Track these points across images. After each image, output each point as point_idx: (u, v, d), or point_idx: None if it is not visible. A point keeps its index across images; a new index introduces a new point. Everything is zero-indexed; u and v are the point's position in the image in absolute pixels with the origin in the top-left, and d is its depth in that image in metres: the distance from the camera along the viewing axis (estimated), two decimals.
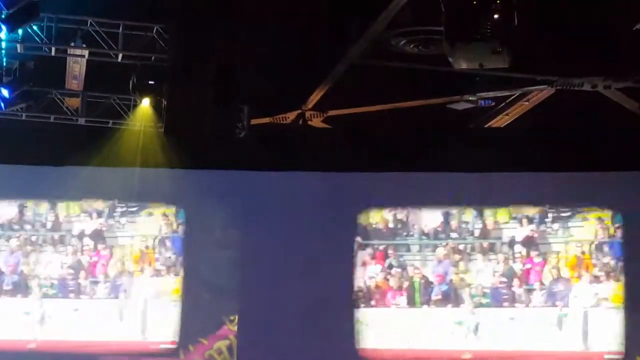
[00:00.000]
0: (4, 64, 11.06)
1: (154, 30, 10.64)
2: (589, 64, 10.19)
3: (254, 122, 11.67)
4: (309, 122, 12.40)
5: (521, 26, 7.30)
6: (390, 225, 12.59)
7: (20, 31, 10.27)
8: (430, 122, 12.33)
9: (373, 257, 12.56)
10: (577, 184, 12.25)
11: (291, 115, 12.34)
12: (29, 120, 12.10)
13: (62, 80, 11.64)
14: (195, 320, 12.52)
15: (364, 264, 12.53)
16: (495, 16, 7.14)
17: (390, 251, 12.55)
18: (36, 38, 10.53)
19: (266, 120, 12.36)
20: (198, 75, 9.15)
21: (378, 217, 12.61)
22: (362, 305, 12.42)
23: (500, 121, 12.34)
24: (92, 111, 12.17)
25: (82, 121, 12.15)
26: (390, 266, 12.52)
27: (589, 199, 12.31)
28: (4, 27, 9.78)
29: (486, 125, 12.48)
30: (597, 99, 10.96)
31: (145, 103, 11.49)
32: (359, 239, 12.54)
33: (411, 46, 9.72)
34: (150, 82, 10.89)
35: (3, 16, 9.55)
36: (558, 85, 10.76)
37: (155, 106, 11.33)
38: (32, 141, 12.13)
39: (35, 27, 10.41)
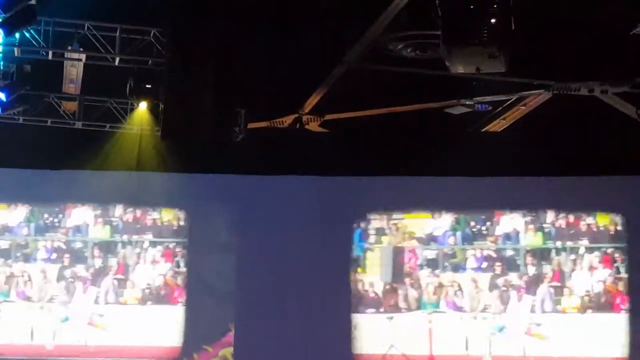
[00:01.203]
0: (1, 67, 11.05)
1: (151, 34, 10.64)
2: (586, 68, 10.20)
3: (251, 126, 11.65)
4: (306, 126, 12.40)
5: (518, 30, 7.30)
6: (619, 227, 12.40)
7: (17, 35, 10.26)
8: (427, 126, 12.33)
9: (601, 261, 12.40)
10: (574, 188, 12.26)
11: (288, 119, 12.34)
12: (26, 124, 12.08)
13: (59, 83, 11.65)
14: (200, 326, 12.50)
15: (591, 267, 12.39)
16: (492, 20, 7.15)
17: (617, 255, 12.35)
18: (33, 42, 10.51)
19: (263, 124, 12.36)
20: (195, 79, 9.15)
21: (606, 220, 12.46)
22: (590, 310, 12.31)
23: (497, 125, 12.34)
24: (89, 115, 12.15)
25: (79, 125, 12.14)
26: (618, 270, 12.35)
27: (587, 203, 12.35)
28: (1, 31, 9.78)
29: (483, 130, 12.48)
30: (593, 104, 10.96)
31: (143, 107, 11.48)
32: (585, 242, 12.42)
33: (408, 50, 9.72)
34: (147, 86, 10.90)
35: (0, 20, 9.54)
36: (555, 89, 10.76)
37: (153, 110, 11.33)
38: (29, 145, 12.12)
39: (32, 31, 10.39)
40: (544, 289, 12.40)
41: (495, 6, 7.17)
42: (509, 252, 12.62)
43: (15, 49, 10.60)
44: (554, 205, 12.51)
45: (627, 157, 11.81)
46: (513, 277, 12.51)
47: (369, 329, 12.54)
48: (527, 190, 12.34)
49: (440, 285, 12.57)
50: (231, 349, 12.38)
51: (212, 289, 12.47)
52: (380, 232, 12.81)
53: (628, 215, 12.24)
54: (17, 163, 12.27)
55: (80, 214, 12.85)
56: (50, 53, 10.70)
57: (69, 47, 10.70)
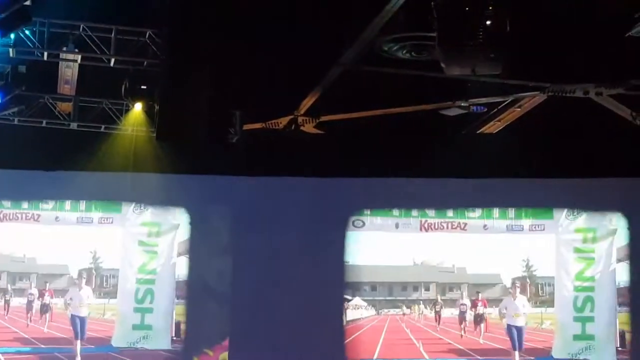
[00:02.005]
0: None
1: (147, 35, 10.63)
2: (581, 70, 10.21)
3: (246, 127, 11.65)
4: (301, 128, 12.39)
5: (514, 32, 7.31)
6: None
7: (12, 35, 10.25)
8: (422, 128, 12.32)
9: None
10: (571, 190, 12.28)
11: (283, 121, 12.33)
12: (21, 124, 12.06)
13: (54, 84, 11.62)
14: (201, 329, 12.46)
15: None
16: (488, 22, 7.16)
17: None
18: (28, 42, 10.50)
19: (258, 125, 12.34)
20: (191, 80, 9.14)
21: None
22: None
23: (493, 127, 12.35)
24: (84, 116, 12.15)
25: (74, 126, 12.14)
26: None
27: (585, 205, 12.36)
28: None
29: (478, 131, 12.49)
30: (589, 106, 10.98)
31: (138, 108, 11.47)
32: None
33: (404, 52, 9.71)
34: (142, 87, 10.89)
35: None
36: (550, 91, 10.76)
37: (148, 111, 11.31)
38: (24, 146, 12.10)
39: (27, 32, 10.38)
40: None
41: (490, 8, 7.18)
42: None
43: (10, 49, 10.58)
44: (550, 206, 12.52)
45: (622, 159, 11.82)
46: None
47: None
48: (525, 191, 12.36)
49: None
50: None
51: (212, 292, 12.44)
52: None
53: (628, 217, 12.25)
54: (12, 164, 12.24)
55: None
56: (45, 54, 10.68)
57: (64, 48, 10.68)
